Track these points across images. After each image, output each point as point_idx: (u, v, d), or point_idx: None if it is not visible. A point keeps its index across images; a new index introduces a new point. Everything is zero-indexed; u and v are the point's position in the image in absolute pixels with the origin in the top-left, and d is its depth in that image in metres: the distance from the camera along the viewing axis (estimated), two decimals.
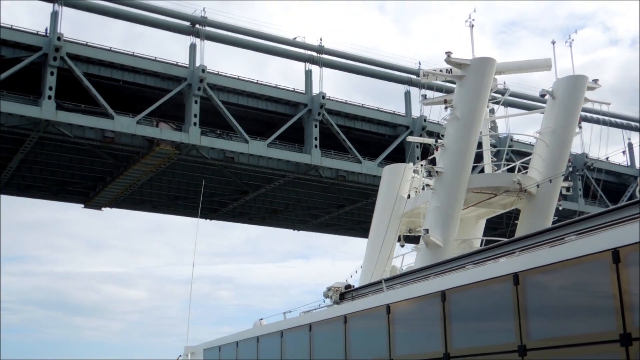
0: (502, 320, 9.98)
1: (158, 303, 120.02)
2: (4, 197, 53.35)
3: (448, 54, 17.79)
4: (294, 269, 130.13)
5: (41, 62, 39.38)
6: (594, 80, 18.87)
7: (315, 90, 46.75)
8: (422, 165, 18.72)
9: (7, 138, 41.15)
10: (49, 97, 39.13)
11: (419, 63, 49.79)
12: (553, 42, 21.61)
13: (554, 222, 16.65)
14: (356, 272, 19.54)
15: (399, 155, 47.95)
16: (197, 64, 43.12)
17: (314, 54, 48.37)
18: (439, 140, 17.54)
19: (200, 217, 54.09)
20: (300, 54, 48.21)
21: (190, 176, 50.22)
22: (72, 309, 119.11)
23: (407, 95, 50.73)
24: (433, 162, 17.56)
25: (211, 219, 58.70)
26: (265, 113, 47.09)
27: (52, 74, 39.63)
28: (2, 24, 38.05)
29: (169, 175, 49.32)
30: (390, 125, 50.54)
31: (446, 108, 17.62)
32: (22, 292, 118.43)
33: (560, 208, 17.61)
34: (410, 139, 22.02)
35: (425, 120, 48.44)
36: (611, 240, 8.29)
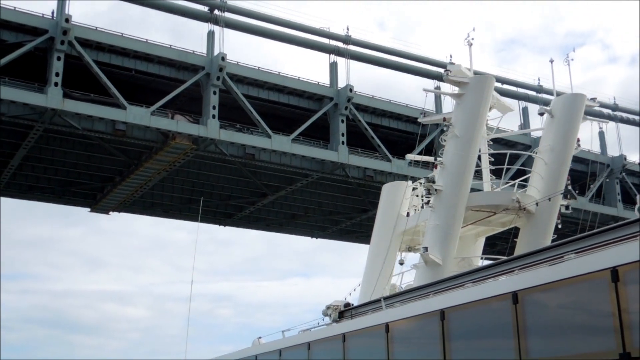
0: (502, 339, 10.02)
1: (158, 321, 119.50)
2: (5, 200, 50.69)
3: (447, 72, 17.85)
4: (295, 287, 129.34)
5: (47, 47, 37.24)
6: (592, 98, 19.06)
7: (341, 84, 44.77)
8: (421, 183, 18.70)
9: (9, 131, 39.01)
10: (56, 84, 36.47)
11: (450, 56, 47.12)
12: (551, 61, 21.72)
13: (553, 240, 16.60)
14: (355, 290, 19.44)
15: (429, 155, 45.94)
16: (216, 53, 40.96)
17: (340, 44, 45.60)
18: (438, 158, 17.50)
19: (214, 222, 53.17)
20: (325, 45, 45.68)
21: (206, 177, 47.79)
22: (71, 328, 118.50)
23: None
24: (432, 180, 17.50)
25: (225, 225, 55.72)
26: (287, 108, 44.69)
27: (58, 59, 36.87)
28: (2, 5, 36.08)
29: (182, 176, 47.50)
30: (419, 123, 49.31)
31: (445, 126, 17.63)
32: (21, 311, 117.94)
33: (560, 227, 17.51)
34: (409, 156, 22.03)
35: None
36: (610, 259, 8.36)
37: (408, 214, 21.27)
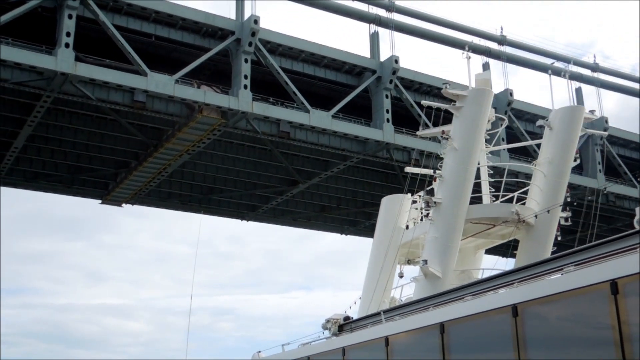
0: (502, 352, 10.11)
1: (159, 335, 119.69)
2: (7, 191, 47.49)
3: (445, 85, 17.96)
4: (296, 300, 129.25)
5: (55, 6, 34.13)
6: (590, 110, 19.28)
7: (382, 57, 43.13)
8: (420, 196, 18.75)
9: (12, 104, 35.93)
10: (67, 45, 33.05)
11: (501, 29, 45.30)
12: (549, 73, 21.71)
13: (553, 252, 16.62)
14: (355, 303, 19.57)
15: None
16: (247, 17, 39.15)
17: (383, 13, 43.26)
18: (437, 171, 17.59)
19: (236, 216, 49.65)
20: (365, 13, 43.48)
21: (232, 161, 45.06)
22: (73, 342, 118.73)
23: (486, 67, 44.77)
24: (431, 192, 17.56)
25: (248, 219, 52.58)
26: (323, 83, 41.61)
27: (70, 17, 33.46)
28: None
29: (205, 159, 44.26)
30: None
31: (444, 139, 17.69)
32: (22, 325, 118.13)
33: (559, 238, 17.57)
34: (408, 169, 21.98)
35: (511, 95, 41.86)
36: (609, 271, 8.47)
37: (407, 227, 21.25)
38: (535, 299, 9.97)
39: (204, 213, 48.47)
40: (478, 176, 21.83)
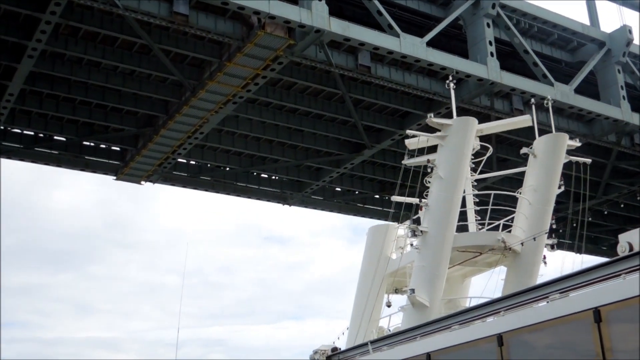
0: None
1: None
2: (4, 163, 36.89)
3: (430, 115, 18.30)
4: (288, 330, 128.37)
5: None
6: (572, 138, 19.42)
7: None
8: (406, 225, 18.91)
9: (9, 17, 26.16)
10: None
11: None
12: (532, 103, 22.18)
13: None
14: (343, 333, 19.52)
15: (592, 86, 36.57)
16: None
17: None
18: (423, 200, 17.74)
19: (278, 200, 40.87)
20: None
21: (284, 117, 34.86)
22: None
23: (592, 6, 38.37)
24: (417, 221, 17.73)
25: (291, 204, 42.05)
26: (405, 13, 31.70)
27: None
28: None
29: (253, 114, 33.99)
30: (576, 44, 36.54)
31: (429, 168, 17.91)
32: None
33: (546, 266, 17.88)
34: (394, 198, 22.11)
35: (630, 32, 35.64)
36: (592, 299, 8.50)
37: (395, 256, 21.40)
38: (520, 328, 10.07)
39: (239, 195, 39.29)
40: (464, 204, 22.05)
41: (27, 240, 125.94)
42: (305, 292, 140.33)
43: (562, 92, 31.86)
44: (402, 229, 23.94)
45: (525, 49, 32.09)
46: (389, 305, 22.49)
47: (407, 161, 22.91)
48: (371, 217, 43.73)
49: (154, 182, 37.39)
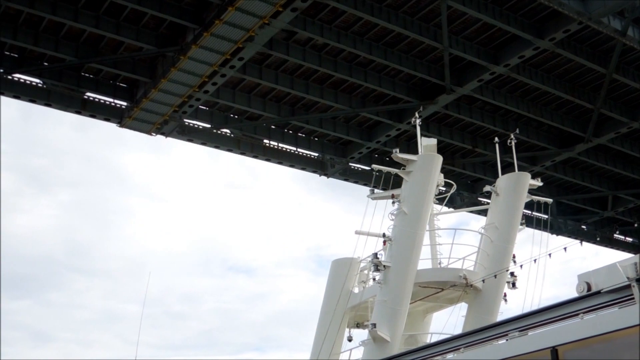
0: None
1: None
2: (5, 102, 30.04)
3: (395, 151, 18.44)
4: None
5: None
6: (534, 177, 19.74)
7: None
8: (369, 259, 18.91)
9: None
10: None
11: None
12: (496, 142, 22.57)
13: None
14: None
15: None
16: None
17: None
18: (386, 235, 17.77)
19: (313, 170, 33.93)
20: None
21: (351, 40, 27.29)
22: None
23: None
24: (379, 256, 17.85)
25: (328, 176, 34.75)
26: None
27: None
28: None
29: (314, 30, 26.35)
30: None
31: (393, 203, 18.01)
32: None
33: (506, 304, 18.08)
34: (357, 232, 22.10)
35: None
36: (550, 338, 8.54)
37: (357, 290, 21.34)
38: None
39: (268, 159, 31.91)
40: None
41: None
42: (268, 324, 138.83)
43: None
44: (364, 263, 24.06)
45: None
46: (350, 340, 22.47)
47: (372, 196, 23.00)
48: None
49: (167, 134, 29.34)
